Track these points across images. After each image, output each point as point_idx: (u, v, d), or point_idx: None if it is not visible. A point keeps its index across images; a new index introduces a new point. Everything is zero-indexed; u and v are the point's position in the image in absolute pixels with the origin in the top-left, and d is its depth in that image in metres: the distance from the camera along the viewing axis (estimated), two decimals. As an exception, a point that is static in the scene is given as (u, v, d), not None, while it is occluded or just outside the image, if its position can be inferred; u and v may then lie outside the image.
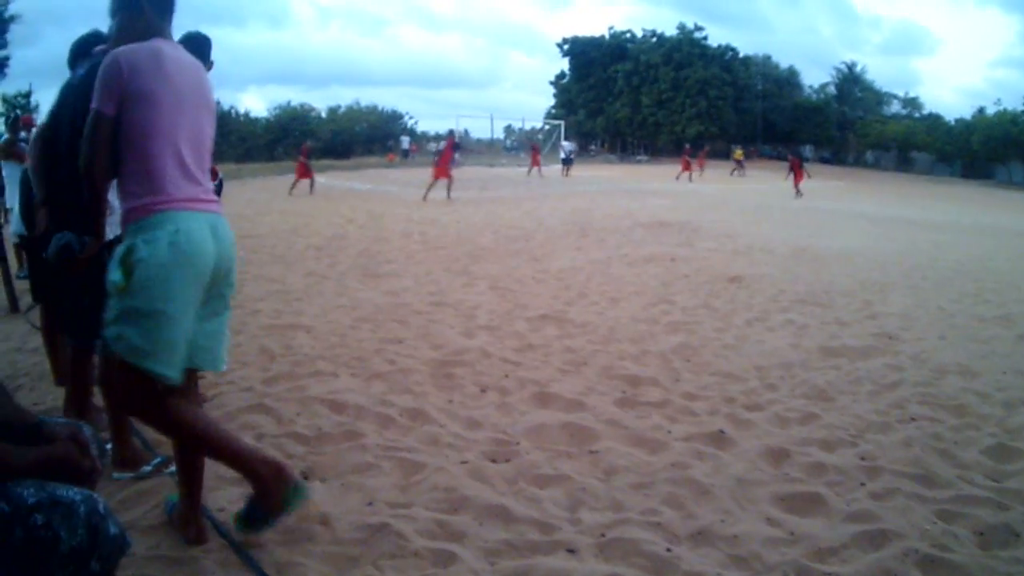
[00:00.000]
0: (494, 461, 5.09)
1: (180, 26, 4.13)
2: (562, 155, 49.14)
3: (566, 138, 65.42)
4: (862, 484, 4.96)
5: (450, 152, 28.58)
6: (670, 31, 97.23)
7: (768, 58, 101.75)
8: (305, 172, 29.18)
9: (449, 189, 26.56)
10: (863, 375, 7.39)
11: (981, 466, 5.38)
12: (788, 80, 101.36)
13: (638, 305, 10.07)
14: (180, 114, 3.62)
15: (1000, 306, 11.24)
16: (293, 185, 28.64)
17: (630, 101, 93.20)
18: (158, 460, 4.77)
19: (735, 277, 12.23)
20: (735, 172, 56.92)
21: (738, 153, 64.10)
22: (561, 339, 8.27)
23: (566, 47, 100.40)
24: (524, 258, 13.73)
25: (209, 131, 3.89)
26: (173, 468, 4.53)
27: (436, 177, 26.85)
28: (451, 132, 23.54)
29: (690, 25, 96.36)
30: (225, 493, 4.41)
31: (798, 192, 34.55)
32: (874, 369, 7.62)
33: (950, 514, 4.57)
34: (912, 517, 4.48)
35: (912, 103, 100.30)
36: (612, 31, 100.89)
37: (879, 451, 5.51)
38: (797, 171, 36.06)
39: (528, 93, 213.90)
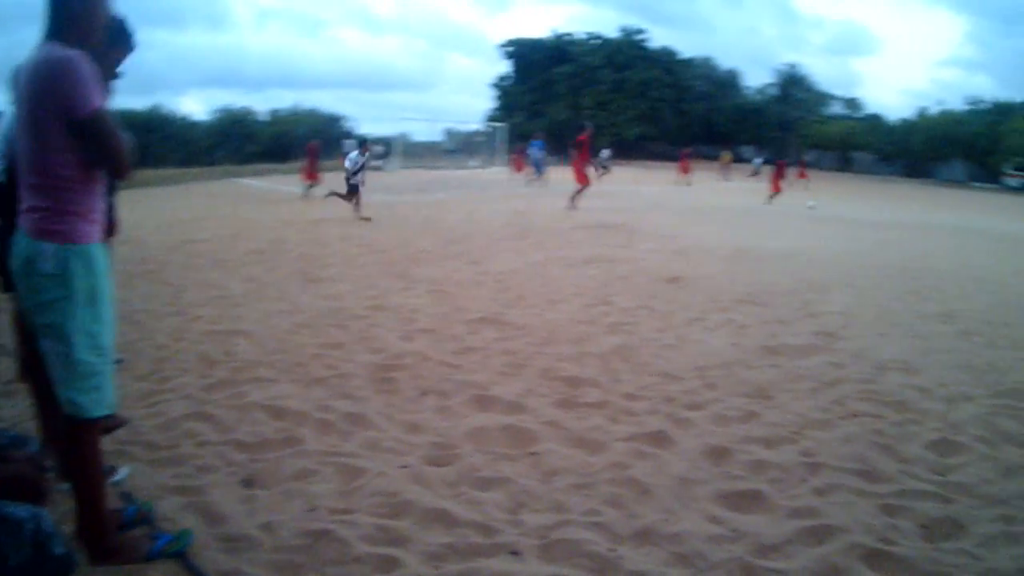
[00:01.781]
0: (435, 465, 5.12)
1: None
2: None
3: (512, 140, 65.50)
4: (804, 480, 5.06)
5: (321, 157, 29.42)
6: (612, 33, 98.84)
7: (709, 59, 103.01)
8: (312, 175, 28.77)
9: (310, 190, 27.55)
10: (803, 373, 7.54)
11: (924, 460, 5.53)
12: (729, 81, 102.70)
13: (577, 306, 10.13)
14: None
15: (941, 303, 11.54)
16: (310, 188, 28.26)
17: (571, 103, 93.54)
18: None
19: (675, 278, 12.34)
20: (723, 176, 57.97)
21: (726, 157, 64.74)
22: (500, 342, 8.30)
23: (508, 49, 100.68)
24: (463, 261, 13.72)
25: (29, 142, 3.55)
26: (117, 477, 4.55)
27: (307, 180, 28.29)
28: (364, 140, 23.03)
29: (632, 27, 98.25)
30: (168, 503, 4.40)
31: (771, 197, 34.37)
32: (814, 367, 7.77)
33: (894, 508, 4.69)
34: (856, 512, 4.59)
35: (853, 103, 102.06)
36: (554, 33, 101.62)
37: (821, 447, 5.63)
38: (777, 176, 35.95)
39: (469, 96, 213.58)
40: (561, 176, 39.50)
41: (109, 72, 4.51)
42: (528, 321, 9.20)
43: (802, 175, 50.20)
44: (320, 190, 26.13)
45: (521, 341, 8.32)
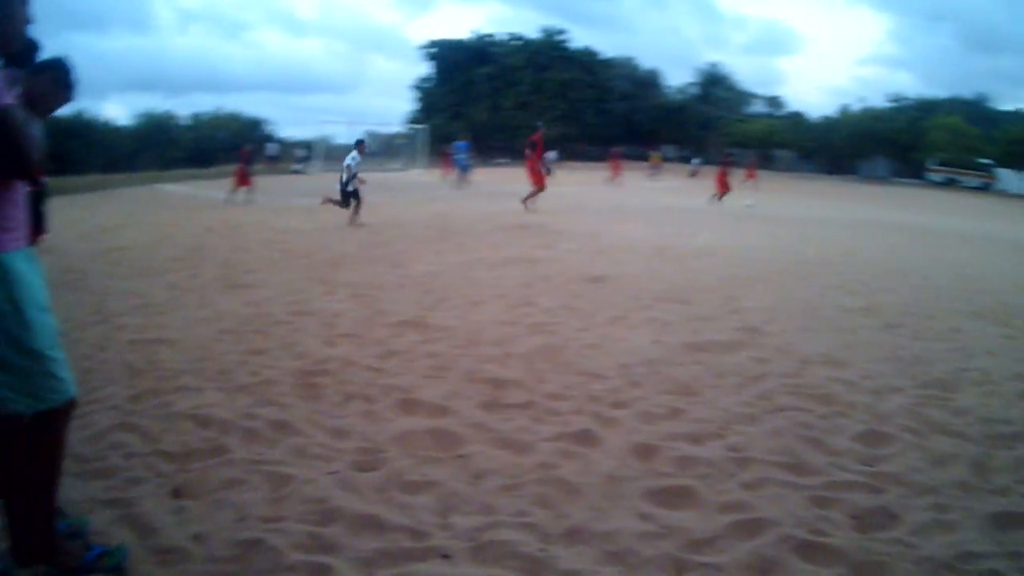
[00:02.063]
0: (362, 470, 5.07)
1: (42, 33, 3.97)
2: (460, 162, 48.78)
3: (433, 142, 65.57)
4: (733, 475, 5.11)
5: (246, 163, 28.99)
6: (533, 34, 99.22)
7: (631, 59, 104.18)
8: (244, 179, 28.41)
9: (238, 194, 27.41)
10: (728, 369, 7.61)
11: (852, 452, 5.61)
12: (650, 81, 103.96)
13: (500, 308, 10.10)
14: None
15: (865, 296, 11.78)
16: (239, 190, 28.01)
17: (491, 104, 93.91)
18: None
19: (597, 277, 12.38)
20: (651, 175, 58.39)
21: (655, 157, 65.24)
22: (424, 344, 8.24)
23: (429, 50, 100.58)
24: (385, 264, 13.63)
25: None
26: None
27: (238, 185, 27.91)
28: (360, 140, 22.67)
29: (553, 27, 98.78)
30: (100, 517, 4.29)
31: (718, 197, 34.31)
32: (739, 362, 7.85)
33: (824, 500, 4.75)
34: (786, 505, 4.64)
35: (775, 102, 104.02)
36: (475, 34, 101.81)
37: (748, 442, 5.68)
38: (722, 176, 35.76)
39: (391, 98, 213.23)
40: (487, 178, 39.75)
41: (46, 110, 4.44)
42: (451, 323, 9.16)
43: (751, 175, 50.84)
44: (238, 196, 25.92)
45: (444, 343, 8.28)
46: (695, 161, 70.24)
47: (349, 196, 20.43)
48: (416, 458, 5.26)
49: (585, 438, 5.65)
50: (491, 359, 7.72)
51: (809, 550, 4.06)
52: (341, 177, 20.56)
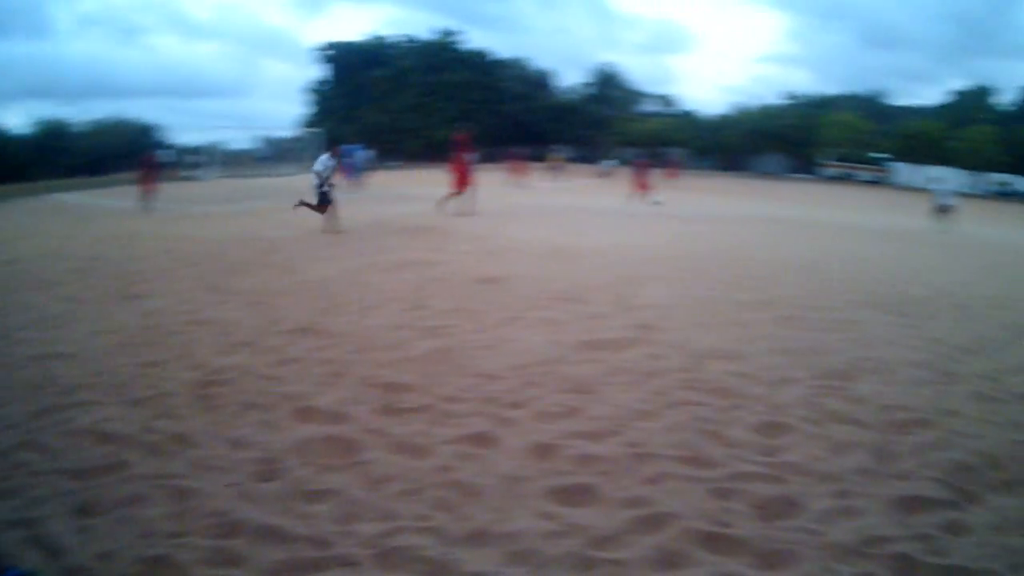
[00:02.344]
0: (263, 480, 5.01)
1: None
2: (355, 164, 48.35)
3: (328, 146, 65.04)
4: (633, 471, 5.15)
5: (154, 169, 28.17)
6: (428, 35, 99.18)
7: (524, 60, 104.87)
8: (149, 187, 27.55)
9: (149, 201, 26.59)
10: (623, 366, 7.67)
11: (751, 443, 5.72)
12: (543, 81, 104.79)
13: (393, 311, 10.02)
14: None
15: (758, 291, 12.00)
16: (144, 198, 27.08)
17: (384, 106, 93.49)
18: None
19: (490, 278, 12.36)
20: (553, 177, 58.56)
21: (556, 158, 65.58)
22: (318, 351, 8.13)
23: (323, 53, 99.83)
24: (278, 270, 13.43)
25: None
26: None
27: (146, 192, 26.99)
28: (335, 143, 22.19)
29: (447, 29, 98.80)
30: (8, 537, 4.19)
31: (640, 197, 34.60)
32: (634, 359, 7.92)
33: (726, 491, 4.82)
34: (688, 498, 4.70)
35: (667, 100, 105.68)
36: (370, 36, 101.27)
37: (647, 438, 5.74)
38: (640, 177, 36.33)
39: (284, 101, 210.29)
40: (380, 181, 39.51)
41: None
42: (345, 329, 9.06)
43: (672, 175, 51.50)
44: (149, 203, 25.39)
45: (339, 349, 8.18)
46: (608, 162, 70.85)
47: (324, 197, 19.95)
48: (315, 466, 5.22)
49: (483, 440, 5.65)
50: (386, 364, 7.65)
51: (714, 541, 4.12)
52: (313, 181, 20.09)
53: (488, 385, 6.96)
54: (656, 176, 40.11)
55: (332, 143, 21.13)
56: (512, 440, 5.64)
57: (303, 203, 20.46)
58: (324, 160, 20.32)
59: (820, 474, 5.11)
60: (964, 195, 73.15)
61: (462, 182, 23.99)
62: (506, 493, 4.76)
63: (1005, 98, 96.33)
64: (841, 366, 7.82)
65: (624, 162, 65.65)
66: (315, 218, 19.72)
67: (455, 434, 5.77)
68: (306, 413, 6.24)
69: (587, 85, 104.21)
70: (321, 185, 19.88)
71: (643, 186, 34.83)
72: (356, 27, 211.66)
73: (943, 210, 29.68)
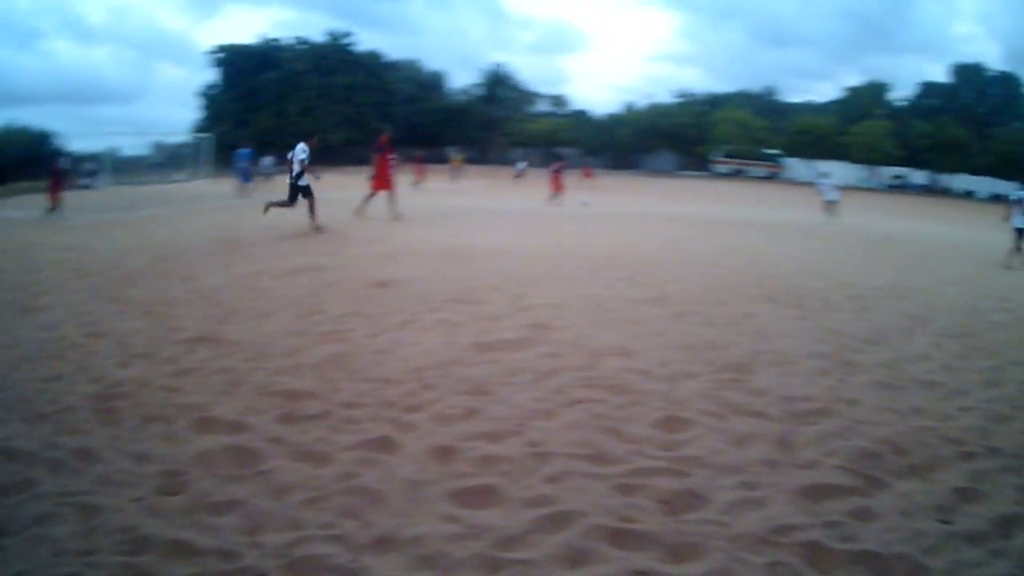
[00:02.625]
0: (167, 494, 4.93)
1: None
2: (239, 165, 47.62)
3: (219, 150, 64.29)
4: (535, 470, 5.19)
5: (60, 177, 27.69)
6: (320, 37, 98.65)
7: (416, 62, 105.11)
8: (56, 196, 26.78)
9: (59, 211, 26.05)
10: (521, 366, 7.71)
11: (652, 439, 5.81)
12: (435, 83, 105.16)
13: (289, 318, 9.91)
14: None
15: (653, 287, 12.20)
16: (52, 207, 26.27)
17: (276, 110, 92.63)
18: None
19: (384, 281, 12.30)
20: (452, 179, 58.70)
21: (456, 160, 65.58)
22: (216, 360, 8.00)
23: (217, 56, 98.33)
24: (174, 278, 13.16)
25: None
26: None
27: (52, 202, 26.51)
28: (311, 133, 21.51)
29: (339, 31, 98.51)
30: None
31: (552, 197, 35.46)
32: (531, 359, 7.96)
33: (630, 487, 4.88)
34: (591, 495, 4.74)
35: (559, 100, 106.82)
36: (262, 38, 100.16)
37: (547, 437, 5.78)
38: (556, 177, 37.28)
39: (178, 106, 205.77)
40: (273, 186, 39.02)
41: None
42: (242, 337, 8.94)
43: (587, 175, 52.15)
44: (58, 212, 24.76)
45: (236, 358, 8.07)
46: (520, 164, 71.18)
47: (299, 191, 19.42)
48: (219, 477, 5.15)
49: (384, 444, 5.64)
50: (283, 371, 7.58)
51: (620, 537, 4.17)
52: (291, 172, 19.55)
53: (386, 389, 6.94)
54: (573, 178, 40.61)
55: (308, 135, 20.60)
56: (412, 444, 5.63)
57: (273, 204, 20.14)
58: (304, 149, 19.69)
59: (723, 466, 5.21)
60: (859, 189, 75.70)
61: (383, 183, 23.73)
62: (409, 497, 4.75)
63: (899, 94, 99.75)
64: (739, 360, 7.99)
65: (540, 164, 66.30)
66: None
67: (355, 440, 5.75)
68: (206, 424, 6.15)
69: (479, 86, 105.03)
70: (298, 176, 19.48)
71: (559, 187, 35.38)
72: (250, 29, 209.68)
73: (830, 204, 30.60)
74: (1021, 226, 20.41)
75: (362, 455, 5.46)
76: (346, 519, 4.51)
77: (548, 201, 34.20)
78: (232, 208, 30.37)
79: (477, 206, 31.60)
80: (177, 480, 5.13)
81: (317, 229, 19.22)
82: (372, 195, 23.72)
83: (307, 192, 19.59)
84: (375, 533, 4.32)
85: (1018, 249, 19.99)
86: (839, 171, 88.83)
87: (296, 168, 19.49)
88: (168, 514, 4.63)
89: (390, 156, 24.33)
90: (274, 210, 20.02)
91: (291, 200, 19.79)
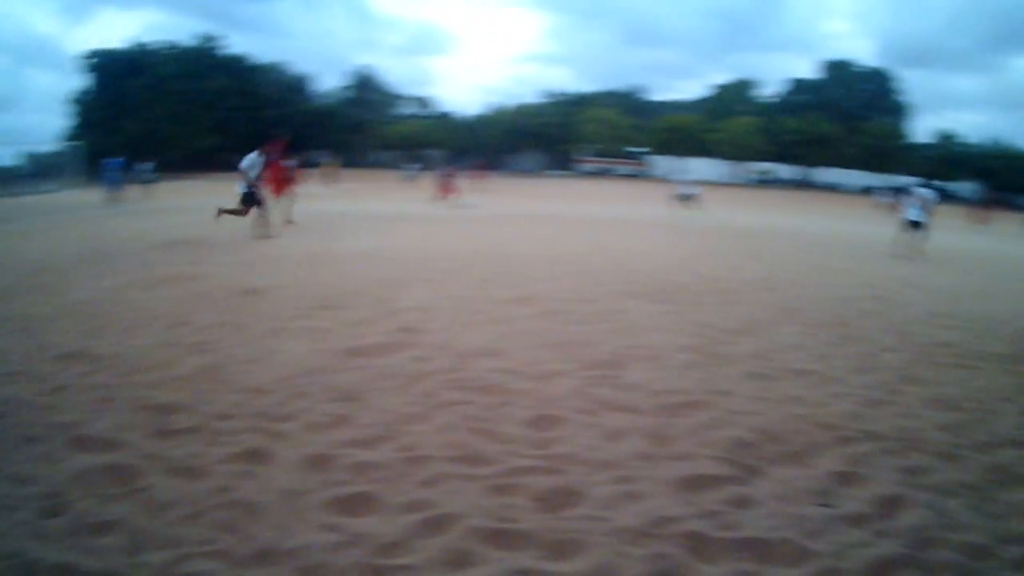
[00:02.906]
0: (49, 516, 4.76)
1: None
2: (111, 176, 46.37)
3: (91, 158, 62.54)
4: (409, 475, 5.20)
5: None
6: (190, 41, 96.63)
7: (283, 65, 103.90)
8: None
9: None
10: (390, 371, 7.72)
11: (525, 438, 5.88)
12: (301, 86, 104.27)
13: (158, 329, 9.69)
14: None
15: (519, 287, 12.35)
16: None
17: (145, 116, 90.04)
18: None
19: (250, 290, 12.15)
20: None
21: (333, 165, 65.13)
22: (89, 376, 7.74)
23: (88, 62, 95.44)
24: (41, 293, 12.72)
25: None
26: None
27: None
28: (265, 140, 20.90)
29: (208, 34, 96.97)
30: None
31: (439, 200, 35.77)
32: (400, 363, 7.98)
33: (505, 487, 4.94)
34: (468, 497, 4.78)
35: (425, 102, 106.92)
36: (133, 43, 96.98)
37: (419, 441, 5.81)
38: (445, 183, 37.82)
39: (49, 114, 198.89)
40: (139, 195, 38.28)
41: None
42: (112, 351, 8.71)
43: (480, 177, 52.75)
44: None
45: (108, 373, 7.85)
46: (412, 167, 71.04)
47: (250, 200, 19.01)
48: (97, 497, 5.01)
49: (258, 456, 5.56)
50: (155, 384, 7.40)
51: (500, 537, 4.21)
52: (243, 179, 19.08)
53: (257, 399, 6.85)
54: (463, 180, 40.85)
55: (264, 143, 20.32)
56: (286, 454, 5.57)
57: (224, 211, 19.77)
58: (252, 159, 19.58)
59: (598, 462, 5.29)
60: (727, 185, 77.44)
61: (280, 189, 23.38)
62: (287, 508, 4.71)
63: (766, 90, 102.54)
64: (609, 356, 8.14)
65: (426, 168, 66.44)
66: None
67: (229, 452, 5.65)
68: (82, 442, 5.95)
69: (345, 89, 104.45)
70: (249, 186, 19.23)
71: (449, 190, 35.68)
72: (122, 33, 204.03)
73: (686, 199, 31.47)
74: (915, 219, 21.45)
75: (237, 467, 5.37)
76: (226, 534, 4.44)
77: (433, 204, 34.35)
78: (102, 219, 29.73)
79: (356, 210, 31.41)
80: (57, 501, 4.98)
81: (265, 236, 19.11)
82: (262, 210, 23.51)
83: (257, 201, 19.53)
84: (255, 547, 4.27)
85: (910, 240, 21.00)
86: (706, 168, 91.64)
87: (247, 176, 19.40)
88: (52, 537, 4.51)
89: (286, 162, 24.15)
90: (226, 216, 19.75)
91: (243, 208, 19.66)
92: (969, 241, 31.51)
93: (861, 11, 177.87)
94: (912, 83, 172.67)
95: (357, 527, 4.44)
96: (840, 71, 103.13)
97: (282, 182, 23.57)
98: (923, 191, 23.13)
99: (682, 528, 4.40)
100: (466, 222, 25.50)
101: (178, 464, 5.50)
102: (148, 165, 48.54)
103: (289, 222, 23.21)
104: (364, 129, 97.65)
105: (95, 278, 14.01)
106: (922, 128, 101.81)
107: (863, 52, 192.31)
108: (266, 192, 22.54)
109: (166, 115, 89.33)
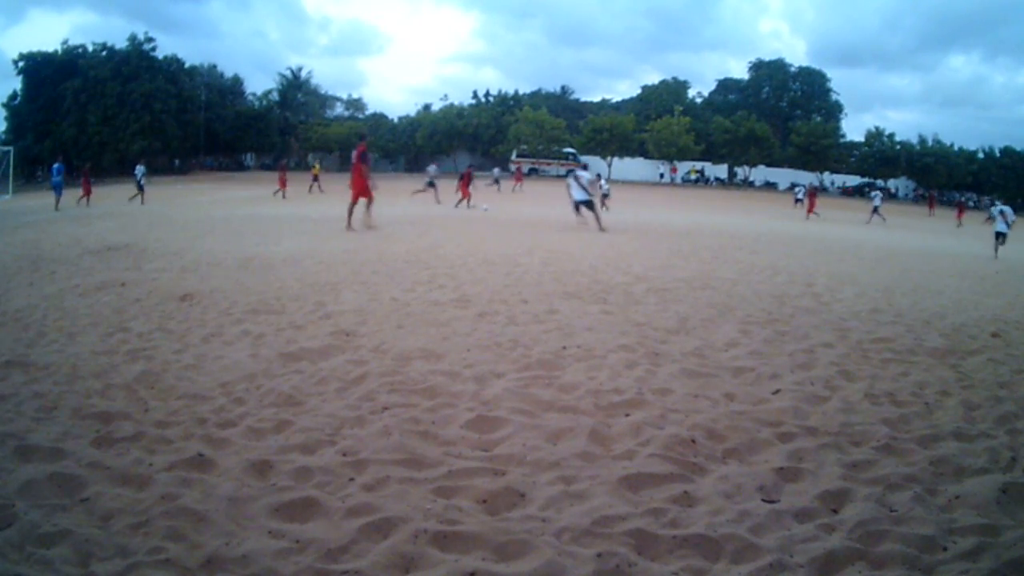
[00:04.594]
0: None
1: None
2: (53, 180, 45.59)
3: (23, 163, 61.46)
4: (352, 479, 5.19)
5: None
6: (122, 43, 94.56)
7: (214, 67, 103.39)
8: None
9: None
10: (327, 374, 7.71)
11: (466, 440, 5.90)
12: (232, 88, 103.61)
13: (95, 337, 9.58)
14: None
15: (455, 289, 12.39)
16: None
17: (78, 120, 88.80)
18: None
19: (186, 295, 12.04)
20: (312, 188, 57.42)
21: (314, 168, 64.53)
22: (29, 384, 7.62)
23: (19, 65, 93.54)
24: (-19, 302, 12.62)
25: None
26: None
27: None
28: None
29: (140, 36, 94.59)
30: None
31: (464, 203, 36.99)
32: (337, 367, 7.97)
33: (448, 489, 4.95)
34: (411, 500, 4.78)
35: (357, 104, 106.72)
36: (65, 46, 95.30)
37: (360, 444, 5.80)
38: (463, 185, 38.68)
39: None
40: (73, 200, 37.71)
41: None
42: (52, 359, 8.58)
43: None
44: None
45: (48, 381, 7.73)
46: (432, 169, 71.06)
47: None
48: (44, 507, 4.92)
49: (200, 463, 5.52)
50: (94, 392, 7.32)
51: (445, 540, 4.21)
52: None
53: (197, 406, 6.80)
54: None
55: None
56: (228, 460, 5.53)
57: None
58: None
59: (540, 463, 5.32)
60: (655, 184, 78.07)
61: (361, 191, 23.35)
62: (232, 515, 4.67)
63: (698, 90, 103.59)
64: (546, 356, 8.18)
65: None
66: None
67: (171, 460, 5.60)
68: (26, 452, 5.85)
69: (276, 90, 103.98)
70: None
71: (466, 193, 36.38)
72: (52, 35, 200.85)
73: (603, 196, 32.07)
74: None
75: (180, 475, 5.32)
76: (172, 542, 4.40)
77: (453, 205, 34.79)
78: (37, 224, 29.29)
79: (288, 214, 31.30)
80: (4, 513, 4.89)
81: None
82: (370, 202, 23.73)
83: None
84: (203, 555, 4.23)
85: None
86: (637, 167, 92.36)
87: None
88: (1, 549, 4.45)
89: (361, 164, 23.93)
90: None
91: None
92: (907, 239, 32.09)
93: (795, 11, 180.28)
94: (846, 82, 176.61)
95: (302, 533, 4.42)
96: (772, 70, 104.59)
97: (361, 184, 23.13)
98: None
99: (627, 527, 4.43)
100: (400, 224, 25.40)
101: (122, 473, 5.44)
102: (141, 168, 47.64)
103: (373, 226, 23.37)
104: (295, 131, 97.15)
105: (32, 285, 13.86)
106: (856, 127, 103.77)
107: (797, 52, 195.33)
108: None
109: (99, 118, 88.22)
